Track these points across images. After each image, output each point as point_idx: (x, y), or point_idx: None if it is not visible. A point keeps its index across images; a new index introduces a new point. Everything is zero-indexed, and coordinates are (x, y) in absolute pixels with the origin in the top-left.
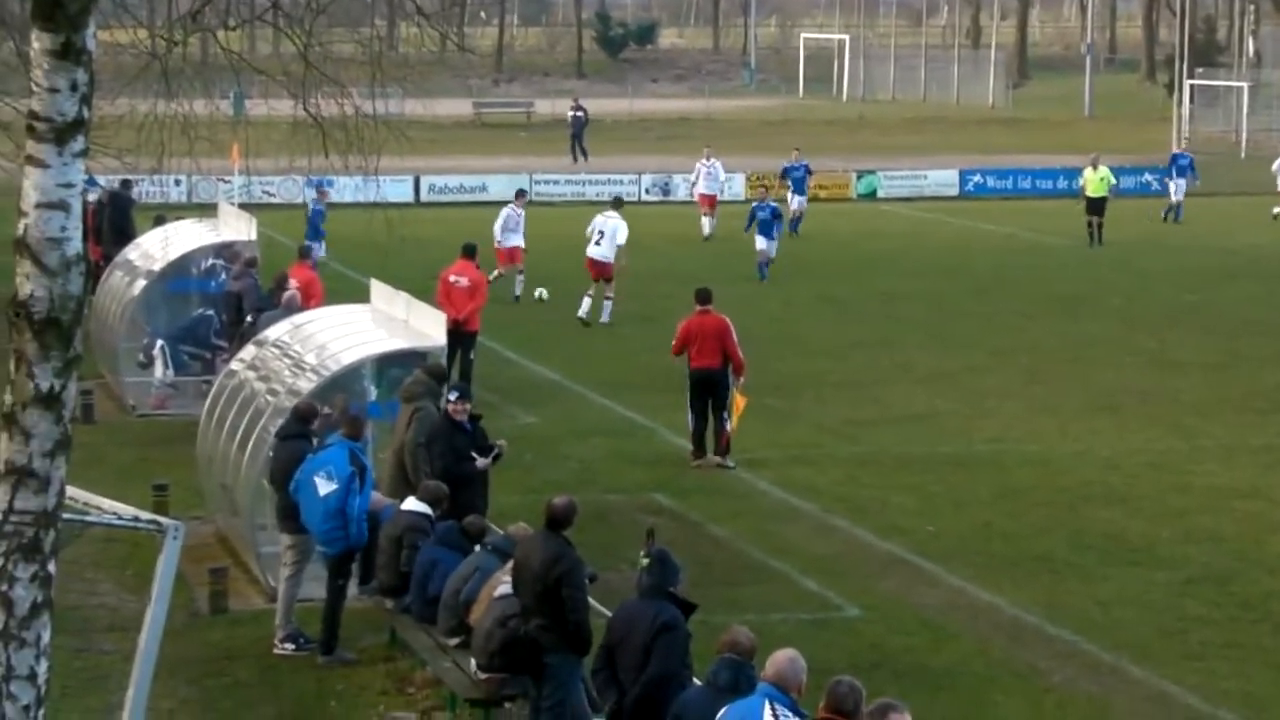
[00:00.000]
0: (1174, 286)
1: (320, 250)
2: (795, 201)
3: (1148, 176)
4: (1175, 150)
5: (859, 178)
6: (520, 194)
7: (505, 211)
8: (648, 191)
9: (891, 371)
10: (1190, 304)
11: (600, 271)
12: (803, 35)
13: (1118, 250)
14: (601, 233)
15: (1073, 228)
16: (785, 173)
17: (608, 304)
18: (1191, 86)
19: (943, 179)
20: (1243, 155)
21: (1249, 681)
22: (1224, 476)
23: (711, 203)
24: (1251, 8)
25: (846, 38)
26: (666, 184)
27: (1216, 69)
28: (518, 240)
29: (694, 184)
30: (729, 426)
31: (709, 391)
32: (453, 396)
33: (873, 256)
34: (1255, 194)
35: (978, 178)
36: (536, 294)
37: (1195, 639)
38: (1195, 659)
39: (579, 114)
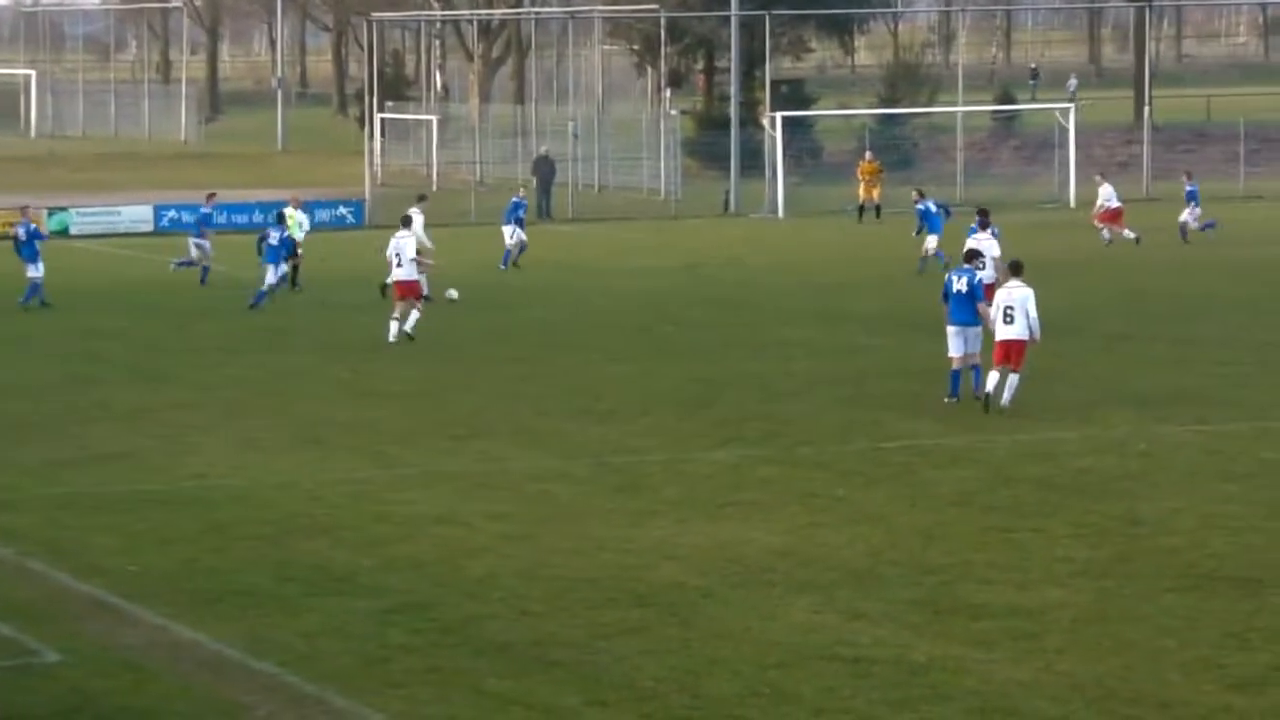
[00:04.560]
0: (349, 317)
1: None
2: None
3: (342, 210)
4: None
5: (50, 215)
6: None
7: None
8: None
9: (91, 410)
10: (375, 336)
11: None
12: None
13: (313, 284)
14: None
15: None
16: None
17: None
18: (383, 120)
19: (137, 215)
20: (434, 188)
21: (451, 705)
22: (423, 504)
23: None
24: (438, 43)
25: (33, 73)
26: None
27: (406, 103)
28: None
29: None
30: None
31: None
32: None
33: (69, 294)
34: (447, 225)
35: (173, 213)
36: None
37: (398, 666)
38: (398, 686)
39: None
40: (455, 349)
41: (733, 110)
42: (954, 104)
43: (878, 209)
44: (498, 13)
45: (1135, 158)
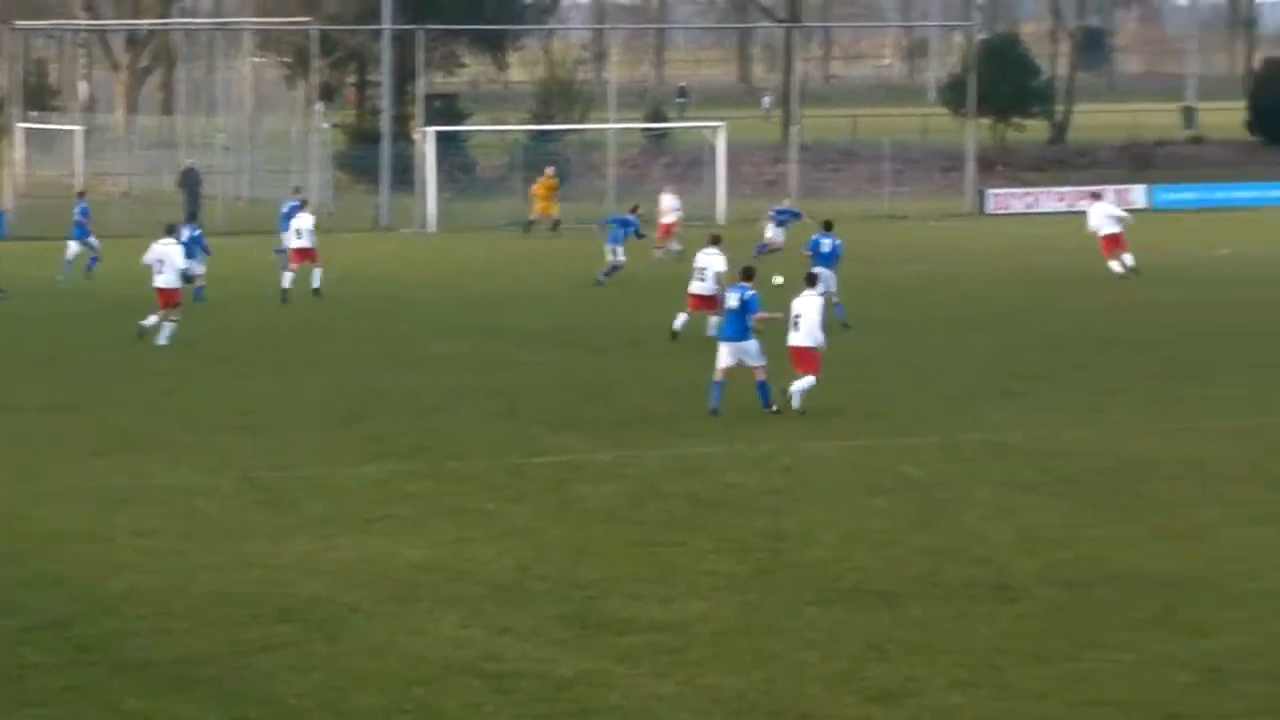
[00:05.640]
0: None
1: None
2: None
3: None
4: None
5: None
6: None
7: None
8: None
9: None
10: (42, 351)
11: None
12: None
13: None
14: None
15: None
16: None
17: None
18: (25, 130)
19: None
20: None
21: None
22: (63, 519)
23: None
24: (84, 52)
25: None
26: None
27: (51, 112)
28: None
29: None
30: None
31: None
32: None
33: None
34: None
35: None
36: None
37: (32, 685)
38: (34, 705)
39: None
40: (100, 362)
41: (384, 124)
42: (606, 121)
43: (556, 223)
44: (144, 23)
45: (783, 176)
